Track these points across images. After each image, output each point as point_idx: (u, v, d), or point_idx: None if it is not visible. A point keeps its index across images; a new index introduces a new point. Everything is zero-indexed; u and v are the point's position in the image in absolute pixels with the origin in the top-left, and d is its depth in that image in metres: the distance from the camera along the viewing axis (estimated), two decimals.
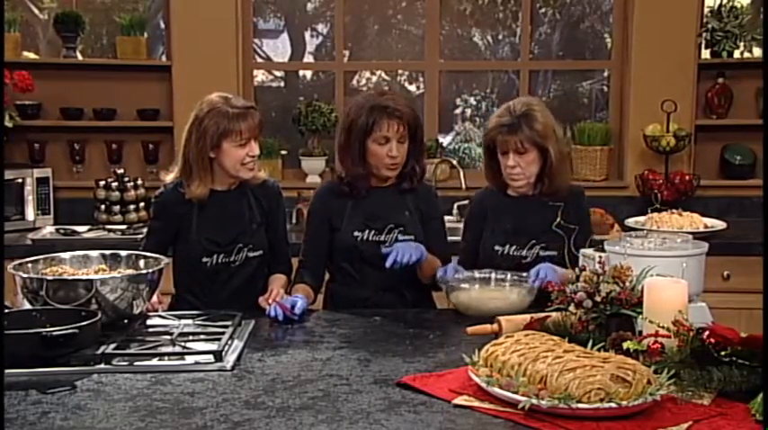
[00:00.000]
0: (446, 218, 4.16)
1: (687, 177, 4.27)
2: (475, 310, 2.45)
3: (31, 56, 4.52)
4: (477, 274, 2.61)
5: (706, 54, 4.40)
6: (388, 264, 2.59)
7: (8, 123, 4.08)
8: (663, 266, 2.12)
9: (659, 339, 1.87)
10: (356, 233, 2.76)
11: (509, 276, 2.59)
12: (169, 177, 2.74)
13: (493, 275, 2.61)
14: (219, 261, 2.69)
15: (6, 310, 2.25)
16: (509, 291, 2.52)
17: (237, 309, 2.50)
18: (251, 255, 2.72)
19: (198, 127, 2.63)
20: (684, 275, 2.04)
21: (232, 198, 2.72)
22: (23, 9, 4.67)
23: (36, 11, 4.83)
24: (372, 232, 2.76)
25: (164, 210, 2.74)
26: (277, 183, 2.89)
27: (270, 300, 2.56)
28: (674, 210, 3.88)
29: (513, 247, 2.72)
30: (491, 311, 2.39)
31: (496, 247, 2.74)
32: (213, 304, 2.62)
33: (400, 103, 2.71)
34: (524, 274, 2.57)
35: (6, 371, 1.94)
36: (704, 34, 4.32)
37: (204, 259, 2.68)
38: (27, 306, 2.27)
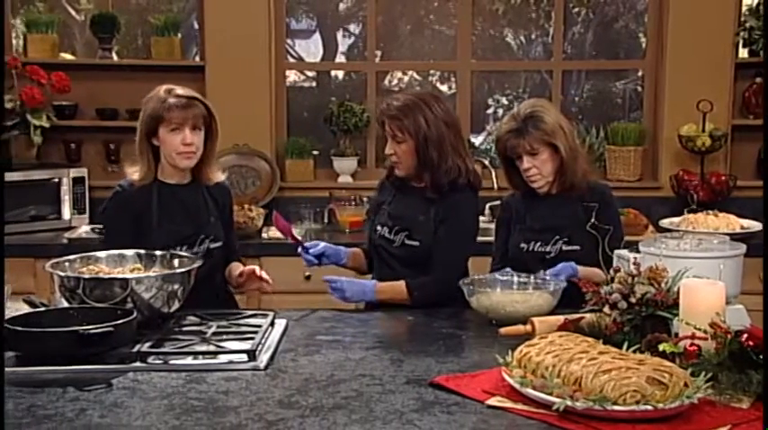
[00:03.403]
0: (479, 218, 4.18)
1: (723, 178, 4.22)
2: (495, 314, 2.42)
3: (68, 57, 4.59)
4: (499, 277, 2.58)
5: (743, 53, 4.34)
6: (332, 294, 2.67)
7: (45, 123, 4.14)
8: (699, 268, 2.09)
9: (696, 341, 1.85)
10: (378, 228, 2.84)
11: (532, 279, 2.55)
12: (132, 169, 2.76)
13: (515, 278, 2.58)
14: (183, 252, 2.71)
15: (44, 308, 2.30)
16: (531, 295, 2.48)
17: (199, 300, 2.49)
18: (212, 246, 2.76)
19: (142, 113, 2.73)
20: (722, 277, 2.01)
21: (188, 192, 2.76)
22: (61, 11, 4.74)
23: (73, 12, 4.89)
24: (386, 229, 2.80)
25: (123, 204, 2.71)
26: (227, 183, 2.95)
27: (257, 274, 2.69)
28: (710, 211, 3.83)
29: (538, 244, 2.73)
30: (510, 315, 2.37)
31: (522, 245, 2.75)
32: None
33: (393, 106, 2.70)
34: (548, 277, 2.55)
35: (44, 368, 1.99)
36: (742, 33, 4.26)
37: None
38: (64, 304, 2.30)
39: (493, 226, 4.24)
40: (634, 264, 2.15)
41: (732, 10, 4.26)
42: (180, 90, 2.71)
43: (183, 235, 2.71)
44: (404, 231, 2.76)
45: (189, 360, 2.09)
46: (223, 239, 2.80)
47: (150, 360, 2.06)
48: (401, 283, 2.68)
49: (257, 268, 2.74)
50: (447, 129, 2.71)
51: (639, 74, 4.88)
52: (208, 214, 2.78)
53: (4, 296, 2.17)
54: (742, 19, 4.28)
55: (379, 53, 4.86)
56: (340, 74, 5.34)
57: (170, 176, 2.74)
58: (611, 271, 2.17)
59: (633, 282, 2.07)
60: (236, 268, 2.82)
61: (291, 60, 5.01)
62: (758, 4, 4.27)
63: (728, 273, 2.12)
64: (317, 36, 5.43)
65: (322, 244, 2.81)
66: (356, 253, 2.91)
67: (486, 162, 4.42)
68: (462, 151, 2.75)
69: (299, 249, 2.79)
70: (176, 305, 2.37)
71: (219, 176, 2.84)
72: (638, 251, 2.33)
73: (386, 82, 5.23)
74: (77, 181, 4.17)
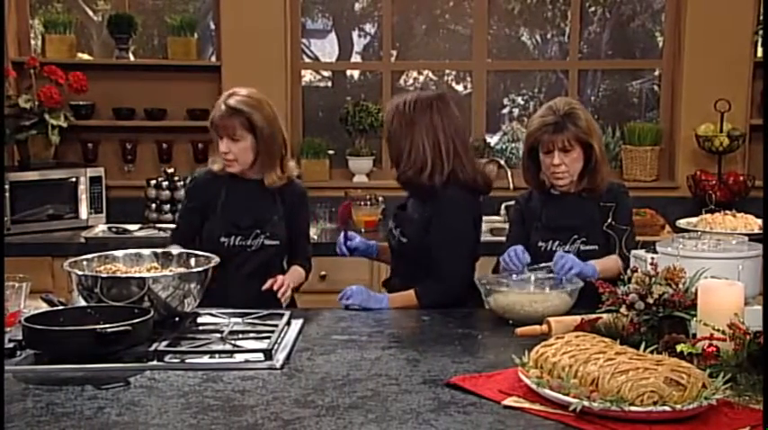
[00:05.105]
0: (493, 218, 4.18)
1: (741, 178, 4.19)
2: (513, 314, 2.41)
3: (86, 57, 4.62)
4: (515, 277, 2.58)
5: (762, 52, 4.31)
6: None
7: (63, 123, 4.17)
8: (718, 268, 2.08)
9: (714, 342, 1.84)
10: (390, 223, 2.92)
11: (549, 279, 2.55)
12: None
13: (532, 278, 2.58)
14: (236, 243, 2.79)
15: (63, 307, 2.31)
16: (548, 295, 2.47)
17: (249, 295, 2.64)
18: (267, 243, 2.82)
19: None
20: (740, 278, 2.00)
21: (258, 188, 2.84)
22: (78, 11, 4.76)
23: (90, 13, 4.92)
24: (393, 224, 2.87)
25: (195, 190, 2.92)
26: (302, 184, 2.99)
27: (275, 287, 2.72)
28: (728, 212, 3.80)
29: (557, 243, 2.73)
30: (529, 315, 2.36)
31: (540, 244, 2.75)
32: (226, 287, 2.62)
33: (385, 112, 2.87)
34: (558, 265, 2.55)
35: (63, 366, 2.01)
36: (761, 32, 4.22)
37: (222, 239, 2.79)
38: (82, 303, 2.32)
39: (507, 225, 4.26)
40: (651, 264, 2.14)
41: (751, 9, 4.23)
42: (234, 99, 2.78)
43: (238, 226, 2.80)
44: (397, 229, 2.82)
45: (205, 359, 2.09)
46: (283, 240, 2.85)
47: (167, 359, 2.07)
48: (411, 292, 2.70)
49: (279, 283, 2.74)
50: (402, 128, 2.70)
51: (656, 73, 4.85)
52: (271, 212, 2.84)
53: (3, 295, 2.18)
54: (760, 17, 4.25)
55: (394, 53, 4.86)
56: (355, 73, 5.34)
57: (242, 171, 2.83)
58: (629, 271, 2.16)
59: (650, 283, 2.06)
60: (288, 272, 2.88)
61: (307, 60, 5.01)
62: None
63: (747, 274, 2.10)
64: (332, 36, 5.43)
65: (358, 238, 2.93)
66: (385, 247, 2.97)
67: (502, 162, 4.40)
68: (439, 150, 2.68)
69: (341, 236, 2.90)
70: (193, 304, 2.37)
71: (286, 179, 2.86)
72: (655, 251, 2.32)
73: (401, 81, 5.23)
74: (94, 180, 4.20)
